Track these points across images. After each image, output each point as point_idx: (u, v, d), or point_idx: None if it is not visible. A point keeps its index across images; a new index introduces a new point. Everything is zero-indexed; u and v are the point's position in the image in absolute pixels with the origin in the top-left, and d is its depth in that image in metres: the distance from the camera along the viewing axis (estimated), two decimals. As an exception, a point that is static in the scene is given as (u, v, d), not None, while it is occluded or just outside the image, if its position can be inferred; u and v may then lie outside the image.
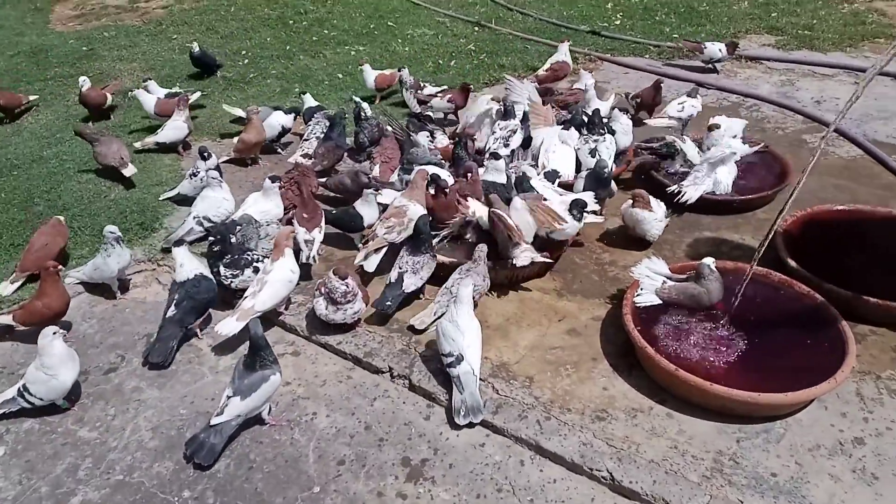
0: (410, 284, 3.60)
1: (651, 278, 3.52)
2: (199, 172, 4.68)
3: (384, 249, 3.79)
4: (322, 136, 5.08)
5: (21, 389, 3.08)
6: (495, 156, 4.28)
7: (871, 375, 3.17)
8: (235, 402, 2.92)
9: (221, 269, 3.66)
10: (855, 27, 7.52)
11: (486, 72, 6.89)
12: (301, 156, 5.07)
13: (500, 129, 4.70)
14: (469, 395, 3.01)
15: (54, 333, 3.07)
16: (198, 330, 3.61)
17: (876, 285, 3.41)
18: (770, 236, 3.25)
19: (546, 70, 6.07)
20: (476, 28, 8.17)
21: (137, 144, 5.47)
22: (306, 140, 5.18)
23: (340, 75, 6.99)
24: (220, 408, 2.94)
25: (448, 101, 5.51)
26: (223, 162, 5.26)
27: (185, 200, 4.72)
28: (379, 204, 4.10)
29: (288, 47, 7.88)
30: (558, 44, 6.38)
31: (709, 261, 3.35)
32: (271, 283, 3.49)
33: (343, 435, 3.02)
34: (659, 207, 4.06)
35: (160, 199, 4.82)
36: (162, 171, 5.25)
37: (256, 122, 5.24)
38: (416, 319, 3.52)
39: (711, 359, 3.17)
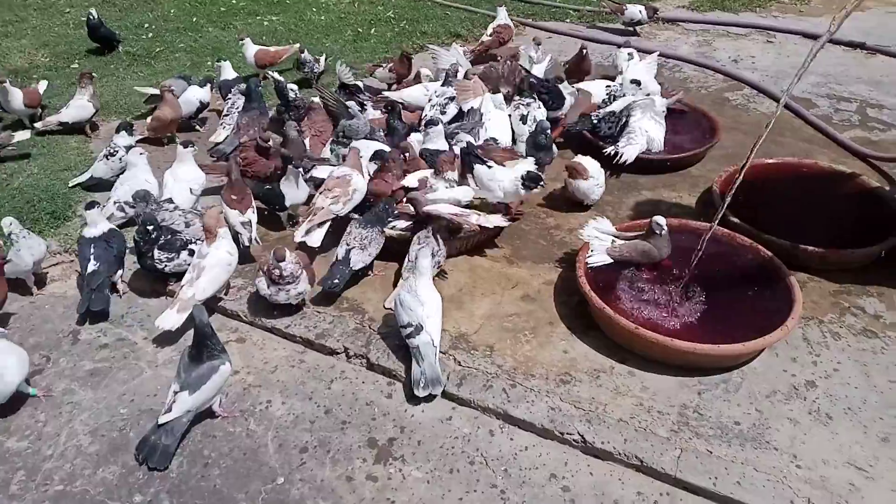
0: (358, 261, 3.45)
1: (600, 239, 3.51)
2: (117, 151, 4.33)
3: (328, 223, 3.62)
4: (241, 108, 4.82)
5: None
6: (432, 122, 4.15)
7: (814, 321, 3.28)
8: (184, 397, 2.71)
9: (156, 252, 3.40)
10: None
11: (408, 39, 6.73)
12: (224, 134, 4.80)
13: (438, 97, 4.57)
14: (428, 366, 2.92)
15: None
16: (120, 284, 3.55)
17: (810, 234, 3.53)
18: (732, 191, 3.27)
19: (490, 35, 5.96)
20: (395, -6, 7.94)
21: (38, 125, 5.02)
22: (227, 115, 4.89)
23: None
24: (167, 405, 2.73)
25: (390, 71, 5.32)
26: (137, 142, 4.92)
27: (99, 185, 4.37)
28: (311, 179, 3.91)
29: (195, 19, 7.43)
30: (477, 9, 6.27)
31: (659, 218, 3.36)
32: (209, 268, 3.27)
33: (302, 421, 2.87)
34: (598, 173, 4.06)
35: (70, 185, 4.44)
36: (69, 154, 4.83)
37: (171, 99, 4.89)
38: (389, 302, 3.40)
39: (666, 315, 3.19)
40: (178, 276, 3.40)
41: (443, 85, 4.64)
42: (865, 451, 2.66)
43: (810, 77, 5.73)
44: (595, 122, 4.59)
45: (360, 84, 5.02)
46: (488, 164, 3.79)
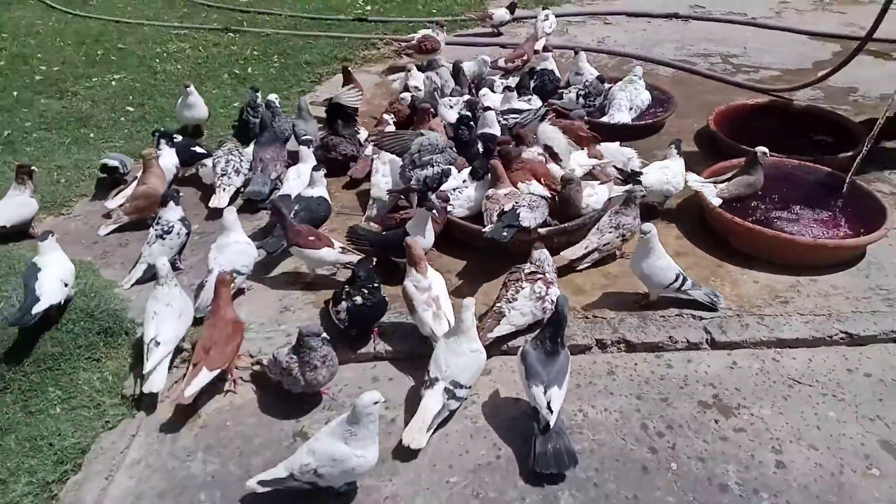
0: (526, 218, 3.43)
1: (704, 185, 3.97)
2: (172, 227, 3.66)
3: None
4: (240, 159, 4.32)
5: None
6: (487, 109, 4.42)
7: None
8: (556, 392, 2.62)
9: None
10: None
11: (294, 73, 6.42)
12: (224, 191, 4.22)
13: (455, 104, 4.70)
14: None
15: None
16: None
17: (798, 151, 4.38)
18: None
19: (413, 43, 6.15)
20: (231, 34, 7.41)
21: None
22: (223, 175, 4.26)
23: (131, 108, 5.77)
24: (542, 406, 2.60)
25: (355, 91, 5.08)
26: (109, 233, 4.10)
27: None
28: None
29: (16, 93, 6.10)
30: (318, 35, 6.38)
31: (761, 148, 3.93)
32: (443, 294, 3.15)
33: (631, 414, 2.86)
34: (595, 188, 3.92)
35: (126, 287, 3.60)
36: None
37: (157, 167, 4.15)
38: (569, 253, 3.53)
39: (789, 228, 3.83)
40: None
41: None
42: None
43: (666, 45, 6.87)
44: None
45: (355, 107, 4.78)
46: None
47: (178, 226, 3.70)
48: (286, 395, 2.95)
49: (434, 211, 3.43)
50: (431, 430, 2.72)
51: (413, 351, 3.15)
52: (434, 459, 2.70)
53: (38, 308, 3.11)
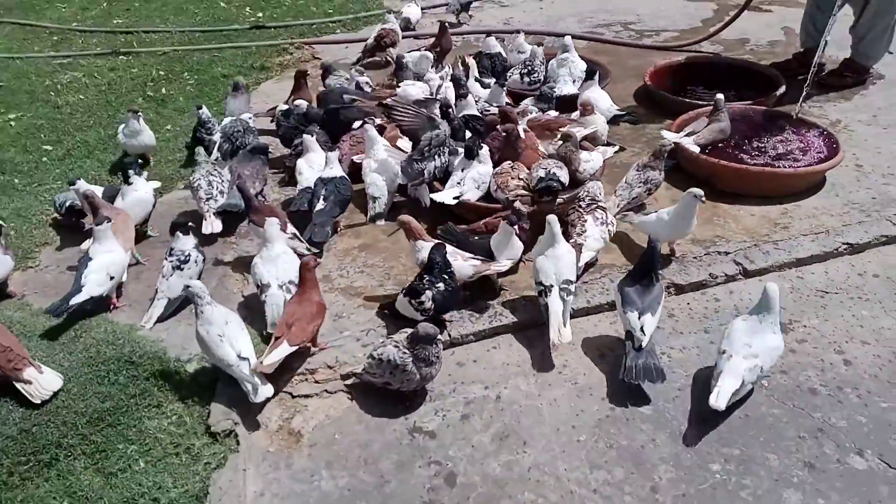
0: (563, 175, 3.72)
1: (681, 138, 4.31)
2: (189, 255, 3.47)
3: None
4: (221, 178, 4.11)
5: None
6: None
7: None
8: (649, 318, 2.89)
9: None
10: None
11: (214, 87, 6.12)
12: (214, 214, 4.00)
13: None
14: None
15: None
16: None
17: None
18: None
19: (373, 39, 6.10)
20: (123, 56, 6.90)
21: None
22: (208, 199, 4.01)
23: (48, 147, 5.27)
24: (636, 329, 2.85)
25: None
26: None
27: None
28: None
29: None
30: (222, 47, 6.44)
31: (719, 95, 4.34)
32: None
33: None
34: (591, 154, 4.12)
35: (148, 326, 3.32)
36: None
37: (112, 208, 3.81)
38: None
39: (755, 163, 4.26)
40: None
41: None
42: None
43: (568, 20, 7.26)
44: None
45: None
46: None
47: (195, 253, 3.50)
48: (384, 397, 2.90)
49: (516, 226, 3.34)
50: (566, 325, 3.05)
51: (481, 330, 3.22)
52: (555, 425, 2.79)
53: (76, 299, 3.22)
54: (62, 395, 2.96)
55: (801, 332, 3.17)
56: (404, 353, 2.74)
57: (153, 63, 6.71)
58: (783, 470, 2.56)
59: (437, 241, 3.33)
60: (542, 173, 3.62)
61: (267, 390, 2.85)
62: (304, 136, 4.22)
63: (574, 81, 5.32)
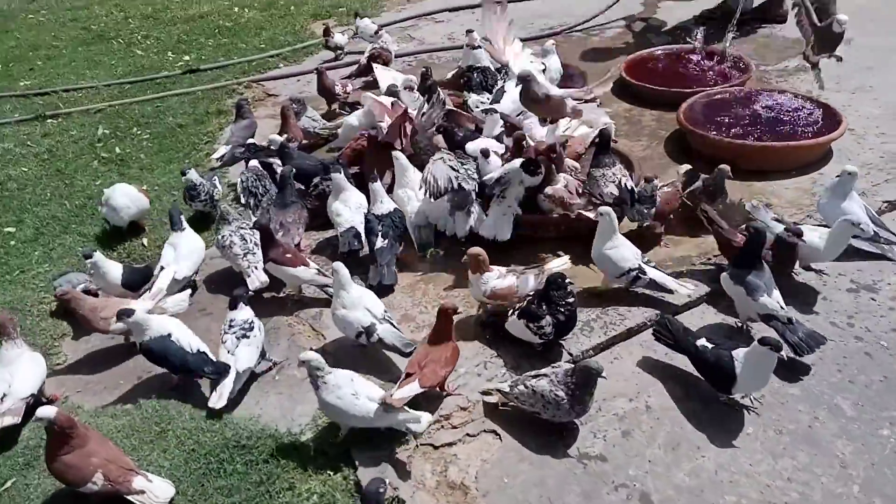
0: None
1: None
2: (252, 325, 3.23)
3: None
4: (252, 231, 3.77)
5: None
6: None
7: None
8: (776, 294, 3.03)
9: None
10: None
11: (176, 139, 5.69)
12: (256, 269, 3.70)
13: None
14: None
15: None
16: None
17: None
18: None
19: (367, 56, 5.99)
20: (52, 120, 6.27)
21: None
22: (248, 254, 3.68)
23: (11, 229, 4.70)
24: (778, 309, 2.97)
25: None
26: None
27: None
28: None
29: None
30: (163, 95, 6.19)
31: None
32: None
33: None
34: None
35: (217, 407, 3.03)
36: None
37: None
38: None
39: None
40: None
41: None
42: None
43: (540, 20, 7.31)
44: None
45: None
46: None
47: (257, 321, 3.24)
48: (533, 430, 2.78)
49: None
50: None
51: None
52: (717, 422, 2.77)
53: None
54: (179, 499, 2.62)
55: (885, 290, 3.33)
56: (558, 390, 2.64)
57: (91, 122, 6.15)
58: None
59: (503, 267, 3.28)
60: (613, 189, 3.61)
61: (426, 416, 2.70)
62: (333, 174, 3.98)
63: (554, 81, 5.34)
